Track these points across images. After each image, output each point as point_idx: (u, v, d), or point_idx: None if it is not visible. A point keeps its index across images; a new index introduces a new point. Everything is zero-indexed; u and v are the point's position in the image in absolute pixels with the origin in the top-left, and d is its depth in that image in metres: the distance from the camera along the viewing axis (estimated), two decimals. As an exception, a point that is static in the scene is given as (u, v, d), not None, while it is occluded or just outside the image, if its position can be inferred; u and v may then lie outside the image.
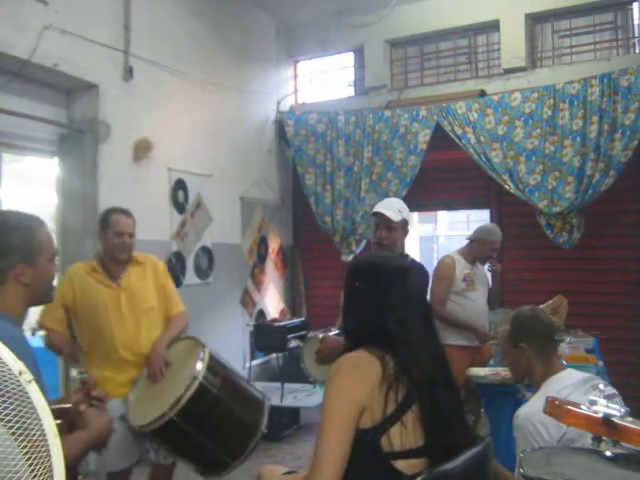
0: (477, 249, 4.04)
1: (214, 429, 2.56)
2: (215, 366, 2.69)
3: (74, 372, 1.87)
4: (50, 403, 1.55)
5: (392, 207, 2.87)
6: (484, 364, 3.75)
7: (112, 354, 2.79)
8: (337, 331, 2.75)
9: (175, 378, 2.65)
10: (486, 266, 4.21)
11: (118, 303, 2.81)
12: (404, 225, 2.85)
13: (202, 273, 5.26)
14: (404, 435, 1.46)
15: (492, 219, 5.84)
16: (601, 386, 1.67)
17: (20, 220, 1.61)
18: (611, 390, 2.01)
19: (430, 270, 3.30)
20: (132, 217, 2.91)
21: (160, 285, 2.98)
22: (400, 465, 1.46)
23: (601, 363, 3.39)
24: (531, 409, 1.98)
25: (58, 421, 1.51)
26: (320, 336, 2.76)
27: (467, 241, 4.14)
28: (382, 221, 2.80)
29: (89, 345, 2.81)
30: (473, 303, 4.00)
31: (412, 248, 11.34)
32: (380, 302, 1.61)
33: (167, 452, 2.78)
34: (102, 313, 2.79)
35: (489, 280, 4.28)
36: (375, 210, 2.88)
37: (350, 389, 1.47)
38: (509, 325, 2.22)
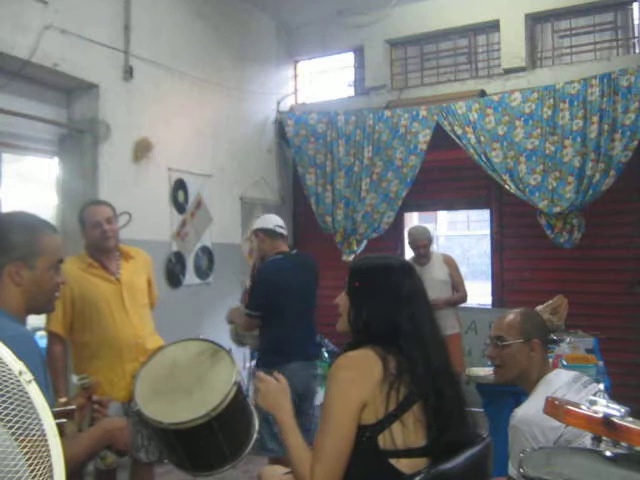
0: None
1: (234, 427, 2.49)
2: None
3: (75, 379, 1.81)
4: (54, 404, 1.55)
5: None
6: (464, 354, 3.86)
7: (116, 355, 2.68)
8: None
9: (204, 381, 2.44)
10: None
11: (121, 299, 2.73)
12: (256, 234, 3.49)
13: (202, 273, 5.26)
14: (405, 434, 1.47)
15: (492, 219, 5.86)
16: (596, 385, 1.67)
17: (28, 221, 1.60)
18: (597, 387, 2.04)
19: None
20: (108, 205, 2.80)
21: (150, 280, 2.96)
22: (401, 464, 1.47)
23: (601, 363, 3.38)
24: (529, 411, 1.96)
25: (62, 420, 1.50)
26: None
27: None
28: None
29: (91, 346, 2.70)
30: None
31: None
32: (392, 300, 1.62)
33: (163, 451, 2.59)
34: (105, 310, 2.69)
35: (442, 281, 4.47)
36: None
37: (349, 386, 1.49)
38: (520, 319, 2.11)
